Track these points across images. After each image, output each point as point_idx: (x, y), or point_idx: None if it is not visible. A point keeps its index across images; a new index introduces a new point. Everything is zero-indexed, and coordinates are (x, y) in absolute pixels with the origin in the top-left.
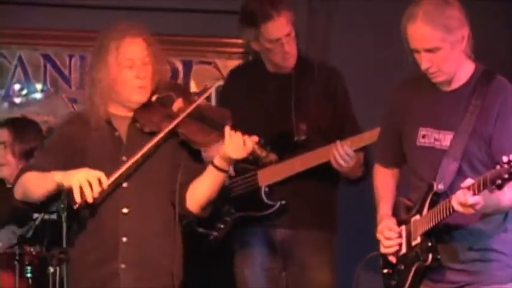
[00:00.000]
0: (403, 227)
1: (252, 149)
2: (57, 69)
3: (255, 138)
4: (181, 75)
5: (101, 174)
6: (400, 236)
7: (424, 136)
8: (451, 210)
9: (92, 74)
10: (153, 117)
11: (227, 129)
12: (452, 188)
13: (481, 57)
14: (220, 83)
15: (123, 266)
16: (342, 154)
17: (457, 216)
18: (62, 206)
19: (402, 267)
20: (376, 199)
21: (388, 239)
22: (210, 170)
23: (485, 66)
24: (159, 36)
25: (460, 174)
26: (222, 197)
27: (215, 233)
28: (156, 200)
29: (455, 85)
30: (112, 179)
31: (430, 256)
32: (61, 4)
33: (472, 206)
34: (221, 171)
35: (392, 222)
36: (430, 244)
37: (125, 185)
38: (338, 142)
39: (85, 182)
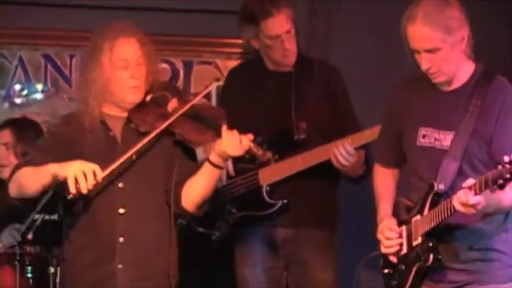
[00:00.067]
0: (404, 227)
1: (248, 147)
2: (57, 69)
3: (251, 136)
4: (181, 75)
5: (95, 167)
6: (400, 236)
7: (424, 136)
8: (453, 210)
9: (85, 74)
10: (148, 117)
11: (224, 126)
12: (452, 188)
13: (481, 57)
14: (219, 83)
15: (120, 266)
16: (343, 152)
17: (458, 216)
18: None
19: (403, 267)
20: (376, 199)
21: (388, 239)
22: (205, 166)
23: (485, 66)
24: (160, 37)
25: (461, 174)
26: (223, 197)
27: (217, 233)
28: (152, 200)
29: (455, 85)
30: (107, 172)
31: (431, 256)
32: (61, 4)
33: (473, 206)
34: (217, 168)
35: (392, 222)
36: (431, 244)
37: (120, 185)
38: (338, 140)
39: (80, 173)
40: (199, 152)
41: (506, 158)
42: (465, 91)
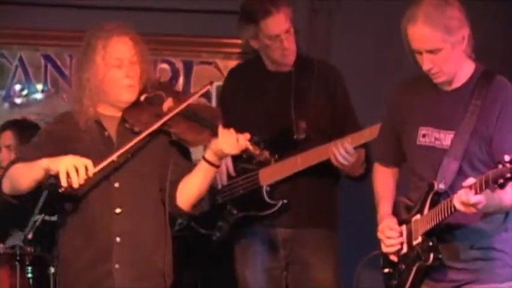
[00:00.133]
0: (404, 227)
1: (245, 146)
2: (57, 69)
3: (247, 135)
4: (181, 75)
5: (88, 162)
6: (401, 235)
7: (424, 135)
8: (453, 210)
9: (79, 74)
10: (142, 116)
11: (221, 125)
12: (452, 188)
13: (481, 57)
14: (214, 85)
15: (117, 266)
16: (342, 151)
17: (458, 216)
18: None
19: (403, 266)
20: (376, 199)
21: (389, 238)
22: (201, 165)
23: (485, 66)
24: (160, 37)
25: (461, 174)
26: (224, 198)
27: (217, 234)
28: (148, 199)
29: (455, 85)
30: (98, 167)
31: (432, 255)
32: (62, 4)
33: (474, 205)
34: (212, 166)
35: (393, 221)
36: (431, 243)
37: (116, 185)
38: (338, 140)
39: (72, 167)
40: (200, 152)
41: (507, 158)
42: (465, 91)
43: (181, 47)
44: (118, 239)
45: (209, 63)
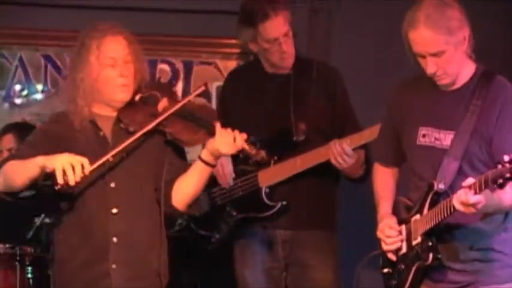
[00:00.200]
0: (403, 227)
1: (241, 146)
2: (57, 69)
3: (244, 135)
4: (181, 75)
5: (84, 160)
6: (401, 234)
7: (424, 135)
8: (452, 210)
9: (73, 74)
10: (137, 116)
11: (218, 124)
12: (452, 188)
13: (481, 57)
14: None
15: (113, 266)
16: (340, 152)
17: (457, 216)
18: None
19: (402, 266)
20: (376, 198)
21: (389, 237)
22: (196, 164)
23: (485, 66)
24: (160, 37)
25: (461, 174)
26: (224, 199)
27: (217, 236)
28: (144, 199)
29: (456, 85)
30: (95, 165)
31: (431, 255)
32: (62, 5)
33: (473, 205)
34: (208, 166)
35: (393, 220)
36: (430, 243)
37: (112, 185)
38: (336, 140)
39: (68, 165)
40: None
41: (506, 158)
42: (466, 91)
43: (181, 47)
44: (115, 239)
45: (209, 64)
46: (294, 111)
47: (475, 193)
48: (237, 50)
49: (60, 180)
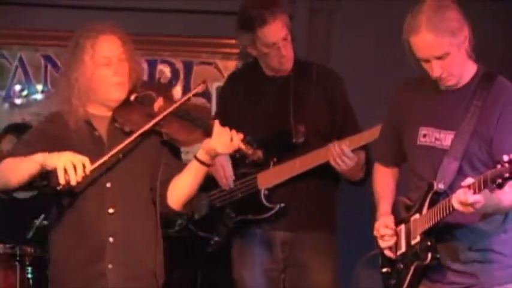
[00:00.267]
0: (403, 226)
1: (238, 146)
2: (57, 70)
3: (241, 135)
4: (182, 76)
5: (85, 159)
6: (396, 234)
7: (424, 135)
8: (451, 209)
9: (67, 74)
10: (132, 116)
11: (216, 123)
12: (452, 188)
13: (481, 57)
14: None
15: (110, 266)
16: (340, 154)
17: (457, 215)
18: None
19: (401, 266)
20: (376, 198)
21: (383, 236)
22: (192, 164)
23: (485, 66)
24: (160, 37)
25: (461, 174)
26: (223, 201)
27: (216, 238)
28: (140, 199)
29: (457, 85)
30: (96, 165)
31: (429, 255)
32: (62, 5)
33: (472, 204)
34: (204, 165)
35: (390, 219)
36: (429, 243)
37: (108, 185)
38: (335, 142)
39: (70, 164)
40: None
41: (506, 158)
42: (467, 91)
43: (181, 47)
44: (111, 239)
45: (209, 64)
46: (293, 113)
47: (474, 193)
48: (237, 50)
49: (61, 180)
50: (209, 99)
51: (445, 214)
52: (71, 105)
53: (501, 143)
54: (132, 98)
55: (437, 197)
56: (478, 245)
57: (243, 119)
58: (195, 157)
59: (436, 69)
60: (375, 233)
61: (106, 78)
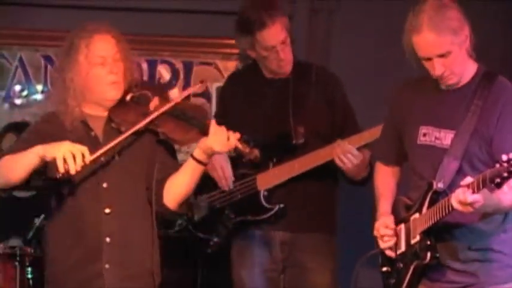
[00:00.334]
0: (402, 225)
1: (234, 145)
2: None
3: (237, 134)
4: (182, 76)
5: (84, 149)
6: (396, 234)
7: (425, 135)
8: (450, 209)
9: (62, 74)
10: (128, 116)
11: (213, 122)
12: (452, 187)
13: (481, 57)
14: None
15: (107, 266)
16: (345, 151)
17: (457, 215)
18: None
19: (401, 265)
20: (376, 197)
21: (383, 236)
22: (189, 163)
23: (485, 66)
24: (160, 37)
25: (460, 173)
26: (222, 202)
27: (215, 239)
28: (136, 199)
29: (458, 84)
30: (95, 155)
31: (429, 254)
32: (62, 5)
33: (471, 204)
34: (200, 164)
35: (389, 219)
36: (429, 242)
37: (104, 185)
38: (340, 140)
39: (69, 153)
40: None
41: (504, 157)
42: (467, 91)
43: (181, 47)
44: (108, 239)
45: (209, 64)
46: (293, 114)
47: (473, 192)
48: (237, 51)
49: (61, 169)
50: (209, 99)
51: (444, 213)
52: (67, 106)
53: (501, 143)
54: (128, 98)
55: (437, 196)
56: (478, 244)
57: (242, 120)
58: (192, 156)
59: (438, 68)
60: (375, 233)
61: (101, 78)
